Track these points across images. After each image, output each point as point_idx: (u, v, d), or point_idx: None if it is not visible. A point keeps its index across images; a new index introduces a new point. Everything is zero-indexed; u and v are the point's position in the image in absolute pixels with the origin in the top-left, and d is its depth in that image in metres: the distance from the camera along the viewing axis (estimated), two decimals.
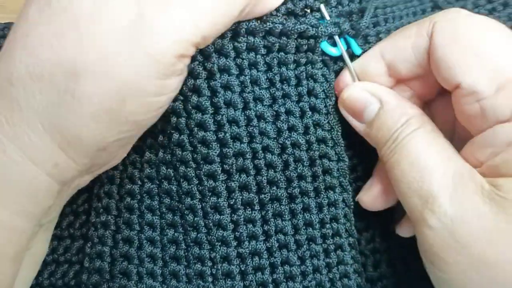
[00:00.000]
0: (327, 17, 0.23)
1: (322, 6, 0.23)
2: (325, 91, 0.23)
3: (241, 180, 0.23)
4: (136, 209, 0.24)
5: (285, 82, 0.23)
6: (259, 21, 0.22)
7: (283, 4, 0.22)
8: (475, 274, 0.18)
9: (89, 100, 0.18)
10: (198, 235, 0.23)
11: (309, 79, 0.23)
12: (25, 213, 0.20)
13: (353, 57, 0.24)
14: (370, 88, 0.22)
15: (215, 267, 0.23)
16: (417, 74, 0.22)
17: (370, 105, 0.22)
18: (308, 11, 0.23)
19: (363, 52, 0.24)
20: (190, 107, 0.22)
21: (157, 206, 0.24)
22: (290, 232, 0.23)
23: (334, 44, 0.23)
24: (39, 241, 0.23)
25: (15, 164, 0.19)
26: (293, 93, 0.23)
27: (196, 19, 0.18)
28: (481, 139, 0.20)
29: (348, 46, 0.24)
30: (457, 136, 0.23)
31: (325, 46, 0.23)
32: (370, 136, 0.22)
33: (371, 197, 0.24)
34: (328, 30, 0.22)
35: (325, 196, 0.23)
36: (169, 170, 0.23)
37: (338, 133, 0.24)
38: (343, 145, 0.24)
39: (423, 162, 0.20)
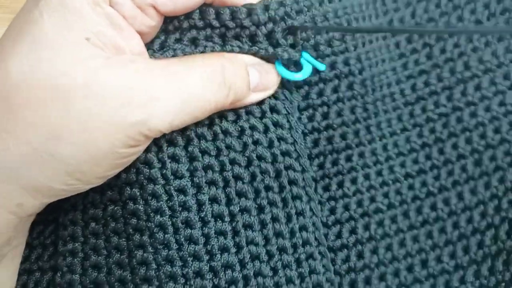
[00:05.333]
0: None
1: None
2: (287, 108, 0.25)
3: (210, 192, 0.23)
4: (102, 234, 0.24)
5: None
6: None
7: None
8: None
9: (66, 161, 0.19)
10: (169, 252, 0.23)
11: (271, 97, 0.24)
12: None
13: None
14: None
15: (188, 283, 0.23)
16: None
17: None
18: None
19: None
20: None
21: (123, 228, 0.24)
22: (261, 243, 0.23)
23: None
24: (3, 271, 0.23)
25: None
26: (256, 110, 0.24)
27: (171, 118, 0.20)
28: None
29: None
30: None
31: (281, 68, 0.24)
32: None
33: None
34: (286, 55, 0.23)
35: (292, 206, 0.24)
36: (134, 189, 0.23)
37: (301, 146, 0.25)
38: (306, 156, 0.25)
39: None
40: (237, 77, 0.22)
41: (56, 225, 0.26)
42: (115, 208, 0.24)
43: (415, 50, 0.27)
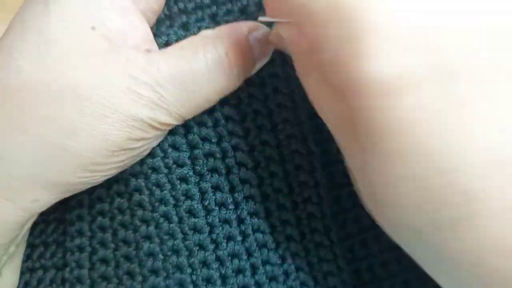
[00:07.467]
0: None
1: None
2: (289, 86, 0.23)
3: (213, 180, 0.23)
4: (109, 227, 0.24)
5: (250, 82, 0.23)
6: None
7: None
8: None
9: (80, 155, 0.19)
10: (175, 242, 0.22)
11: (272, 78, 0.23)
12: None
13: None
14: None
15: (194, 273, 0.22)
16: None
17: None
18: None
19: None
20: None
21: (130, 220, 0.23)
22: (267, 230, 0.23)
23: None
24: (8, 269, 0.23)
25: None
26: (258, 92, 0.23)
27: (180, 110, 0.20)
28: None
29: None
30: None
31: None
32: None
33: None
34: None
35: (299, 192, 0.23)
36: (139, 180, 0.23)
37: (310, 129, 0.24)
38: (312, 140, 0.24)
39: None
40: (243, 58, 0.21)
41: (57, 223, 0.26)
42: (122, 201, 0.24)
43: None
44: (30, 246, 0.26)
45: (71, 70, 0.18)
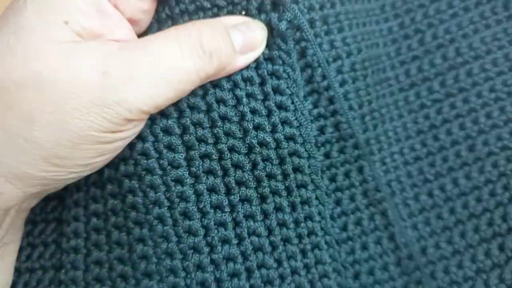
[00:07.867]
0: None
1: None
2: (290, 87, 0.23)
3: (209, 182, 0.22)
4: (103, 229, 0.23)
5: (248, 82, 0.23)
6: None
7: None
8: None
9: (41, 146, 0.19)
10: (169, 245, 0.22)
11: (273, 77, 0.23)
12: None
13: None
14: None
15: (188, 277, 0.22)
16: None
17: None
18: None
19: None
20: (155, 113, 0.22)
21: (123, 222, 0.23)
22: (263, 233, 0.23)
23: None
24: None
25: None
26: (257, 92, 0.23)
27: (151, 95, 0.20)
28: None
29: None
30: None
31: None
32: None
33: None
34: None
35: (297, 194, 0.23)
36: (132, 181, 0.22)
37: (307, 130, 0.23)
38: (313, 141, 0.24)
39: None
40: (218, 41, 0.21)
41: (57, 223, 0.26)
42: (115, 202, 0.23)
43: (407, 36, 0.28)
44: (30, 246, 0.26)
45: (35, 57, 0.18)
